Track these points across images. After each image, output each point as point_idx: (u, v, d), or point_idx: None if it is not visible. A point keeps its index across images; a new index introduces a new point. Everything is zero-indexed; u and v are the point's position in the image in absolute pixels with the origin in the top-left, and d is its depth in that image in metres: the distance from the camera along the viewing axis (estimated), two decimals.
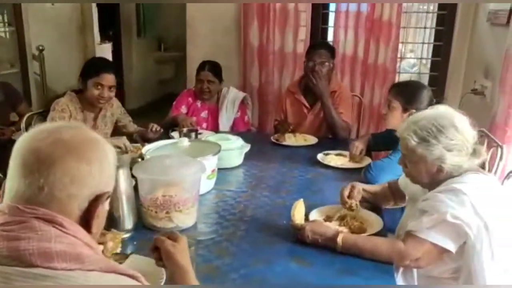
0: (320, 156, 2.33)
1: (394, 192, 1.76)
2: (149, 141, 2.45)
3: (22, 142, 0.80)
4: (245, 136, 2.94)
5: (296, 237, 1.49)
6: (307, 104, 2.90)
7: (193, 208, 1.58)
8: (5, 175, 0.82)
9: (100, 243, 1.23)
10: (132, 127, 2.71)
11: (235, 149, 2.17)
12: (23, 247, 0.71)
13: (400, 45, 3.55)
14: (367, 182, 1.96)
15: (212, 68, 2.97)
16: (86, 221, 0.82)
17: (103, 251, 1.23)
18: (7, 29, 4.13)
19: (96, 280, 0.73)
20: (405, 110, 2.10)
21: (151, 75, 7.30)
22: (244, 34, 3.76)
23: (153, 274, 1.18)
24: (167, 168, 1.52)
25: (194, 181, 1.57)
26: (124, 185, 1.46)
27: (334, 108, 2.74)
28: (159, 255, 1.08)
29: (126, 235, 1.49)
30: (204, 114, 3.05)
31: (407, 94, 2.09)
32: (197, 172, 1.57)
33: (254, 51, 3.77)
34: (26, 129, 2.74)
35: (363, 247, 1.40)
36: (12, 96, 3.25)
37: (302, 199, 1.60)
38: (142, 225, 1.56)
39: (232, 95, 3.03)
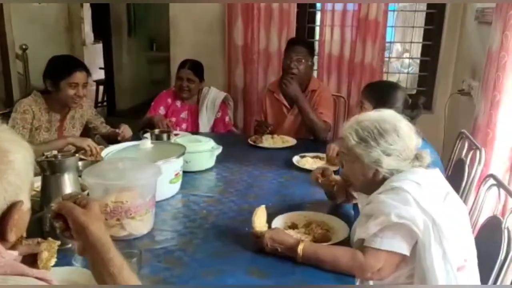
0: (295, 159, 2.25)
1: (346, 187, 1.70)
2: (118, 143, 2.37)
3: None
4: (224, 137, 2.87)
5: (256, 246, 1.40)
6: (286, 104, 2.81)
7: (148, 215, 1.49)
8: None
9: (34, 254, 1.15)
10: (104, 128, 2.62)
11: (204, 151, 2.08)
12: None
13: (398, 45, 3.51)
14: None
15: (193, 66, 2.89)
16: (1, 231, 0.80)
17: (37, 262, 1.15)
18: None
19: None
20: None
21: (142, 75, 7.21)
22: (228, 33, 3.68)
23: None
24: (119, 172, 1.43)
25: (149, 186, 1.48)
26: (70, 189, 1.37)
27: (314, 109, 2.65)
28: (65, 224, 0.95)
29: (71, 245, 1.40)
30: (184, 114, 2.96)
31: (378, 95, 2.01)
32: (152, 176, 1.49)
33: (239, 50, 3.68)
34: None
35: (324, 259, 1.31)
36: None
37: (264, 205, 1.51)
38: None
39: (212, 95, 2.94)
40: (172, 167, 1.76)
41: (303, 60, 2.64)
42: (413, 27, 3.90)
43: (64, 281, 1.17)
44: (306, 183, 1.99)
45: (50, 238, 1.20)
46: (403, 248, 1.26)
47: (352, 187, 1.59)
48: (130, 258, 1.18)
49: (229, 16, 3.64)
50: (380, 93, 2.01)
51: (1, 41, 4.06)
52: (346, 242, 1.44)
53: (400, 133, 1.35)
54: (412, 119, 1.61)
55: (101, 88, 7.13)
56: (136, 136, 2.46)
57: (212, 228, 1.57)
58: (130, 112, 6.53)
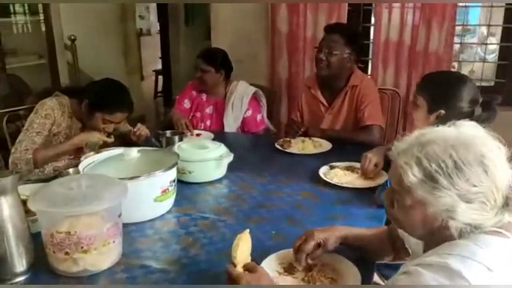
0: (323, 170, 1.86)
1: (395, 240, 1.22)
2: (135, 144, 2.13)
3: None
4: (251, 139, 2.56)
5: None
6: (324, 102, 2.41)
7: (109, 246, 1.21)
8: None
9: None
10: (126, 127, 2.38)
11: (210, 160, 1.76)
12: None
13: (483, 28, 2.92)
14: (381, 206, 1.47)
15: (206, 55, 2.57)
16: None
17: None
18: (29, 18, 4.03)
19: None
20: (431, 110, 1.59)
21: None
22: (272, 19, 3.33)
23: None
24: (69, 196, 1.16)
25: (108, 211, 1.20)
26: (8, 214, 1.13)
27: (356, 108, 2.24)
28: None
29: (18, 279, 1.17)
30: (209, 109, 2.67)
31: (433, 89, 1.56)
32: (113, 199, 1.20)
33: (283, 38, 3.33)
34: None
35: None
36: (20, 88, 3.12)
37: (248, 230, 1.15)
38: (44, 267, 1.22)
39: (240, 91, 2.60)
40: (158, 182, 1.46)
41: (335, 52, 2.22)
42: (491, 6, 3.25)
43: None
44: (327, 204, 1.62)
45: None
46: None
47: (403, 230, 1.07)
48: None
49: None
50: (436, 87, 1.57)
51: (48, 32, 4.02)
52: None
53: (489, 166, 0.86)
54: (482, 122, 1.03)
55: (160, 78, 7.12)
56: (153, 137, 2.21)
57: (189, 265, 1.25)
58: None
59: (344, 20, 3.10)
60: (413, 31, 2.97)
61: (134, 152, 1.55)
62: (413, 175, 0.88)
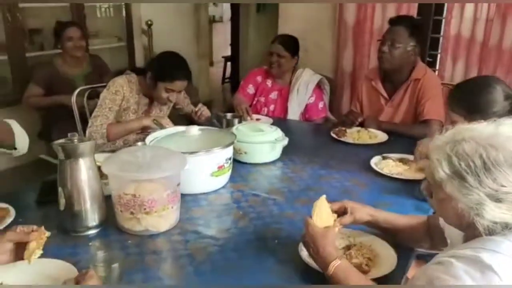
0: (374, 160, 1.90)
1: (433, 229, 1.26)
2: (197, 124, 2.29)
3: None
4: (308, 126, 2.63)
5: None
6: (385, 94, 2.41)
7: (167, 211, 1.35)
8: None
9: (25, 243, 1.11)
10: (189, 108, 2.56)
11: (265, 143, 1.87)
12: None
13: None
14: (423, 199, 1.50)
15: (284, 41, 2.69)
16: None
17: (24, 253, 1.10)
18: (112, 4, 4.32)
19: None
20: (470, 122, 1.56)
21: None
22: (340, 9, 3.35)
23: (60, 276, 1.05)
24: (137, 163, 1.31)
25: (168, 180, 1.34)
26: (86, 176, 1.30)
27: (415, 102, 2.24)
28: None
29: (89, 233, 1.35)
30: (273, 95, 2.77)
31: (468, 101, 1.53)
32: (171, 170, 1.34)
33: (349, 29, 3.34)
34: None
35: None
36: (100, 68, 3.41)
37: (324, 196, 1.23)
38: (112, 224, 1.39)
39: (305, 78, 2.69)
40: (215, 158, 1.59)
41: (398, 44, 2.21)
42: None
43: (44, 275, 1.10)
44: (376, 192, 1.66)
45: (42, 228, 1.15)
46: None
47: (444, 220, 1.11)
48: (111, 264, 1.07)
49: None
50: (468, 100, 1.53)
51: (127, 17, 4.31)
52: (387, 279, 1.12)
53: None
54: None
55: (228, 64, 7.31)
56: (214, 118, 2.36)
57: (237, 235, 1.37)
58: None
59: (414, 12, 3.06)
60: (487, 25, 2.87)
61: (195, 130, 1.69)
62: (443, 171, 0.92)
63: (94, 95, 2.60)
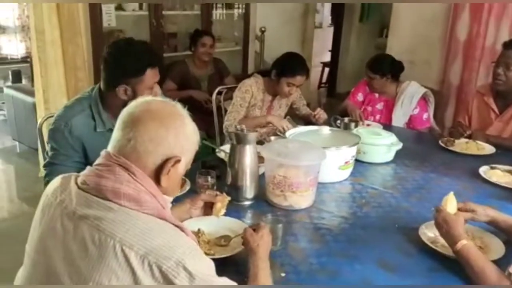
0: (483, 169, 2.09)
1: None
2: (315, 125, 2.63)
3: (126, 108, 1.08)
4: (417, 134, 2.84)
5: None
6: (496, 109, 2.57)
7: (308, 192, 1.70)
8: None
9: (212, 203, 1.51)
10: (305, 110, 2.91)
11: (382, 145, 2.15)
12: (103, 183, 0.99)
13: None
14: None
15: (371, 64, 2.94)
16: (157, 175, 1.04)
17: (212, 210, 1.51)
18: (238, 11, 4.80)
19: (145, 220, 0.97)
20: None
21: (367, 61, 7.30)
22: (452, 26, 3.51)
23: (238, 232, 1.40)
24: (288, 151, 1.67)
25: (311, 167, 1.68)
26: (249, 160, 1.69)
27: None
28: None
29: (246, 203, 1.73)
30: (379, 105, 3.03)
31: None
32: (315, 159, 1.68)
33: (460, 45, 3.48)
34: (224, 100, 3.26)
35: (473, 265, 1.28)
36: (222, 70, 3.91)
37: (452, 192, 1.50)
38: (262, 198, 1.77)
39: (411, 90, 2.91)
40: (343, 154, 1.92)
41: None
42: None
43: (226, 227, 1.49)
44: (483, 197, 1.87)
45: (224, 193, 1.55)
46: None
47: None
48: (277, 223, 1.42)
49: (455, 7, 3.45)
50: None
51: (245, 23, 4.77)
52: (497, 262, 1.36)
53: None
54: None
55: (326, 69, 7.57)
56: (332, 121, 2.68)
57: (363, 217, 1.68)
58: (348, 95, 6.78)
59: None
60: None
61: (326, 130, 2.02)
62: None
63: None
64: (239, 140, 1.68)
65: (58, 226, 1.00)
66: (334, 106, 2.82)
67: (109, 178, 1.00)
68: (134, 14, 3.85)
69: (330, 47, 7.55)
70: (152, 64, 1.74)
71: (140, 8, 3.85)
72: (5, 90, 4.55)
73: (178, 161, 1.06)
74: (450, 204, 1.47)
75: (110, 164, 1.02)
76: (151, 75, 1.74)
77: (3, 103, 4.87)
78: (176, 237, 0.98)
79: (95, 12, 3.44)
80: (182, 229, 1.02)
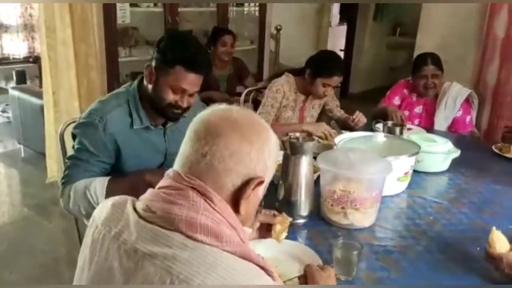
0: None
1: None
2: (351, 130, 2.42)
3: (199, 115, 0.87)
4: (461, 139, 2.63)
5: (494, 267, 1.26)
6: None
7: (372, 209, 1.49)
8: None
9: (270, 225, 1.30)
10: (339, 112, 2.71)
11: (439, 153, 1.94)
12: (174, 212, 0.78)
13: None
14: None
15: (435, 60, 2.69)
16: (235, 200, 0.83)
17: (271, 231, 1.29)
18: (254, 8, 4.59)
19: (228, 263, 0.75)
20: None
21: (381, 60, 7.11)
22: (489, 22, 3.30)
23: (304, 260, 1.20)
24: (349, 162, 1.46)
25: (377, 181, 1.47)
26: (304, 171, 1.47)
27: None
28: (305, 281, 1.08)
29: (300, 221, 1.52)
30: (418, 109, 2.81)
31: None
32: (381, 172, 1.47)
33: (498, 43, 3.27)
34: (245, 101, 3.05)
35: None
36: (241, 70, 3.67)
37: (494, 227, 1.31)
38: (317, 215, 1.55)
39: (454, 92, 2.69)
40: (402, 165, 1.70)
41: None
42: None
43: (288, 253, 1.27)
44: None
45: (284, 214, 1.33)
46: None
47: None
48: (352, 250, 1.21)
49: (493, 3, 3.24)
50: None
51: (260, 22, 4.56)
52: None
53: None
54: None
55: None
56: (369, 125, 2.47)
57: (436, 238, 1.47)
58: (361, 96, 6.58)
59: None
60: None
61: (381, 136, 1.81)
62: None
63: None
64: (295, 150, 1.46)
65: (115, 266, 0.78)
66: (346, 108, 2.62)
67: (183, 206, 0.79)
68: (148, 11, 3.63)
69: (340, 46, 7.34)
70: (186, 64, 1.50)
71: (155, 5, 3.63)
72: (10, 91, 4.31)
73: (261, 182, 0.85)
74: (498, 239, 1.27)
75: (182, 187, 0.81)
76: (180, 76, 1.51)
77: (7, 105, 4.64)
78: (263, 282, 0.77)
79: (109, 9, 3.22)
80: (268, 272, 0.80)
